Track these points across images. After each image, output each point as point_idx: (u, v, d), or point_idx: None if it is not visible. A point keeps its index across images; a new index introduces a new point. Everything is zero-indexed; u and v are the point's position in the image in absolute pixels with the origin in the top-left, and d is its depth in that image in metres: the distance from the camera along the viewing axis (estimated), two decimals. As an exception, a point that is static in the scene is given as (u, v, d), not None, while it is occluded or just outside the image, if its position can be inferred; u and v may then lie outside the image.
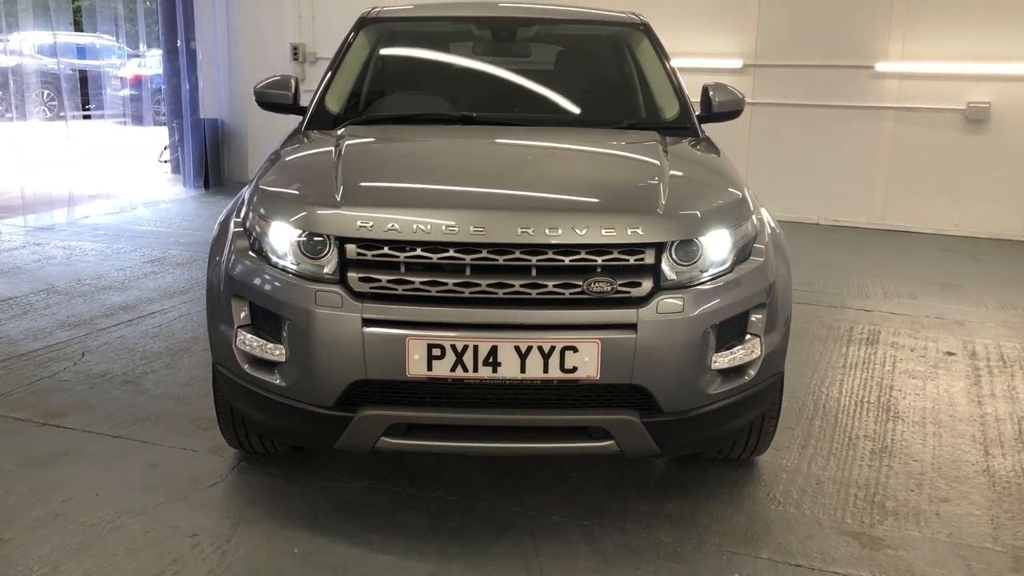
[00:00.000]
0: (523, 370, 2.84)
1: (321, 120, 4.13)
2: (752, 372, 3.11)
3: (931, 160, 8.68)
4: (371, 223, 2.92)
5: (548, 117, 4.26)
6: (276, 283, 3.00)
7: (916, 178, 8.78)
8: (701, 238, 3.00)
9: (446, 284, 2.86)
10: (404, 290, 2.87)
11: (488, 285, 2.86)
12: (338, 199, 3.03)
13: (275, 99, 4.32)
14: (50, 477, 3.55)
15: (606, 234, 2.89)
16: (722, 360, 3.02)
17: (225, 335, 3.17)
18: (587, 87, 4.53)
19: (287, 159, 3.62)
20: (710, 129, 4.32)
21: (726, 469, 3.69)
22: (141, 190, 10.57)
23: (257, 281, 3.05)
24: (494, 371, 2.84)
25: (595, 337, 2.83)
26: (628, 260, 2.91)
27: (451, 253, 2.88)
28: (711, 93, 4.38)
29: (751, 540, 3.19)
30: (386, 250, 2.90)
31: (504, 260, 2.87)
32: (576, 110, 4.35)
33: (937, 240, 8.63)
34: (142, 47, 11.26)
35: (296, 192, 3.21)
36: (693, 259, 2.98)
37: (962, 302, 6.43)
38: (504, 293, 2.86)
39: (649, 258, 2.92)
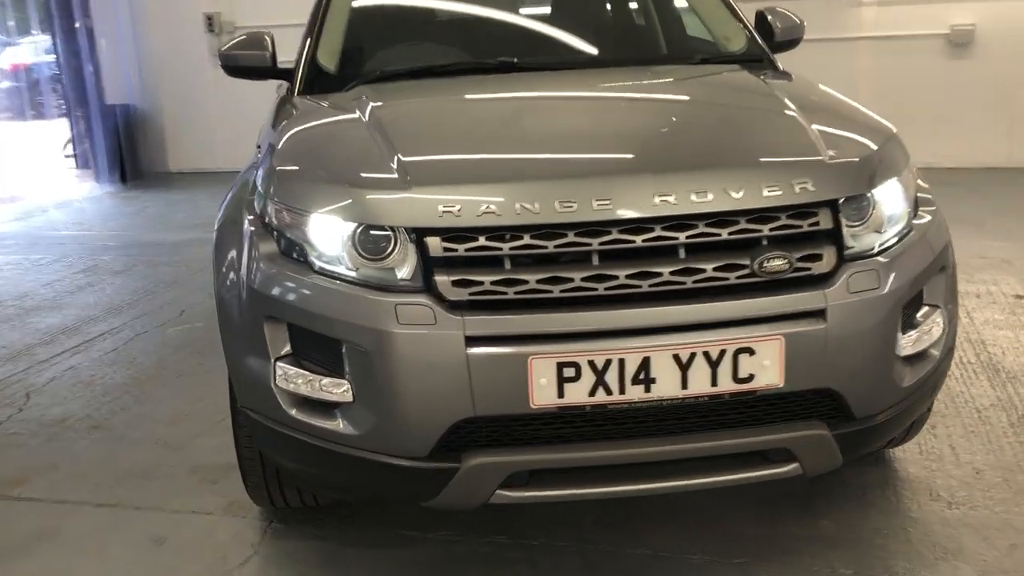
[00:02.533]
0: (684, 385, 2.13)
1: (320, 82, 3.30)
2: (936, 352, 2.47)
3: (914, 91, 8.21)
4: (457, 207, 2.15)
5: (603, 57, 3.51)
6: (330, 297, 2.21)
7: (900, 111, 8.27)
8: (874, 190, 2.32)
9: (572, 280, 2.12)
10: (517, 293, 2.12)
11: (628, 276, 2.13)
12: (402, 178, 2.25)
13: (248, 62, 3.46)
14: (20, 574, 2.71)
15: (769, 194, 2.19)
16: (908, 343, 2.36)
17: (256, 370, 2.37)
18: (635, 19, 3.80)
19: (300, 132, 2.80)
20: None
21: (863, 466, 3.06)
22: (48, 190, 9.40)
23: (300, 296, 2.26)
24: (647, 390, 2.12)
25: (776, 332, 2.13)
26: (800, 226, 2.21)
27: (571, 237, 2.14)
28: (770, 19, 3.69)
29: (944, 558, 2.57)
30: (483, 241, 2.14)
31: (643, 241, 2.15)
32: (634, 47, 3.61)
33: (928, 174, 8.19)
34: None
35: (335, 173, 2.41)
36: (864, 218, 2.31)
37: (995, 238, 5.96)
38: (650, 285, 2.14)
39: (825, 221, 2.23)
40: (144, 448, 3.45)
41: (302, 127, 2.86)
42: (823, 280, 2.19)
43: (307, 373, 2.29)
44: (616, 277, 2.12)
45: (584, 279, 2.12)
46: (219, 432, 3.51)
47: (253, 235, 2.42)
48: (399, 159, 2.33)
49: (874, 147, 2.42)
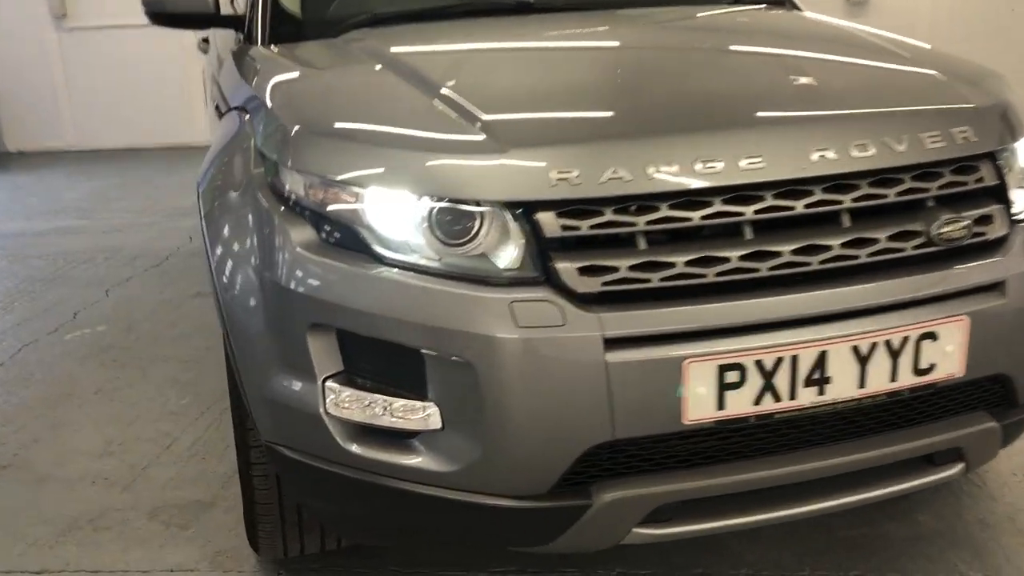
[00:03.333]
0: (862, 383, 1.74)
1: (287, 30, 2.69)
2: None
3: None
4: (575, 172, 1.67)
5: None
6: (408, 295, 1.69)
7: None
8: (1019, 141, 2.00)
9: (728, 260, 1.69)
10: (663, 279, 1.67)
11: (793, 252, 1.72)
12: (493, 139, 1.74)
13: (182, 7, 2.79)
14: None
15: (933, 145, 1.82)
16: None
17: (293, 395, 1.82)
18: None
19: (309, 86, 2.22)
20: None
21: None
22: None
23: (360, 296, 1.72)
24: (820, 392, 1.72)
25: (961, 312, 1.77)
26: (966, 183, 1.86)
27: (719, 206, 1.70)
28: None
29: (1068, 551, 2.32)
30: (611, 215, 1.67)
31: (804, 206, 1.74)
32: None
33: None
34: None
35: (390, 136, 1.86)
36: (1009, 170, 1.98)
37: None
38: (820, 261, 1.73)
39: (989, 176, 1.89)
40: (80, 489, 2.77)
41: (308, 80, 2.28)
42: (997, 247, 1.85)
43: (371, 395, 1.76)
44: (778, 254, 1.70)
45: (742, 257, 1.69)
46: (171, 461, 2.89)
47: (277, 219, 1.84)
48: (480, 116, 1.82)
49: (1007, 93, 2.09)
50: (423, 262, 1.71)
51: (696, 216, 1.69)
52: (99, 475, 2.84)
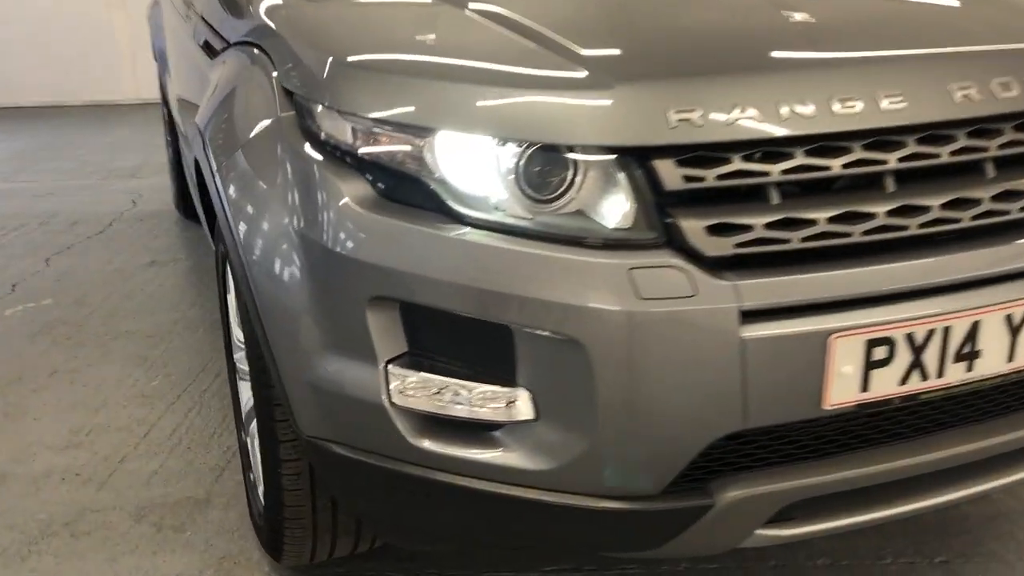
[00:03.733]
0: (1011, 356, 1.52)
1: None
2: None
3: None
4: (698, 112, 1.40)
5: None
6: (501, 260, 1.40)
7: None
8: None
9: (874, 216, 1.44)
10: (804, 239, 1.41)
11: (942, 206, 1.48)
12: (596, 73, 1.45)
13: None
14: None
15: (1075, 85, 1.60)
16: None
17: (346, 381, 1.52)
18: None
19: (355, 10, 1.89)
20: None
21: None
22: None
23: (435, 262, 1.42)
24: (969, 368, 1.49)
25: (1116, 273, 1.56)
26: None
27: (859, 152, 1.45)
28: None
29: None
30: (739, 164, 1.41)
31: (950, 154, 1.50)
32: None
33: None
34: None
35: (471, 69, 1.54)
36: None
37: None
38: (971, 217, 1.49)
39: None
40: (48, 489, 2.41)
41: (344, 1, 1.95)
42: None
43: (444, 380, 1.47)
44: (926, 208, 1.46)
45: (888, 213, 1.44)
46: (151, 452, 2.55)
47: (322, 172, 1.53)
48: (577, 50, 1.52)
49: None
50: (511, 221, 1.43)
51: (836, 164, 1.44)
52: (68, 470, 2.49)
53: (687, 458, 1.42)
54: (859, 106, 1.45)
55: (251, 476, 2.17)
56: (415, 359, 1.50)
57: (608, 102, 1.41)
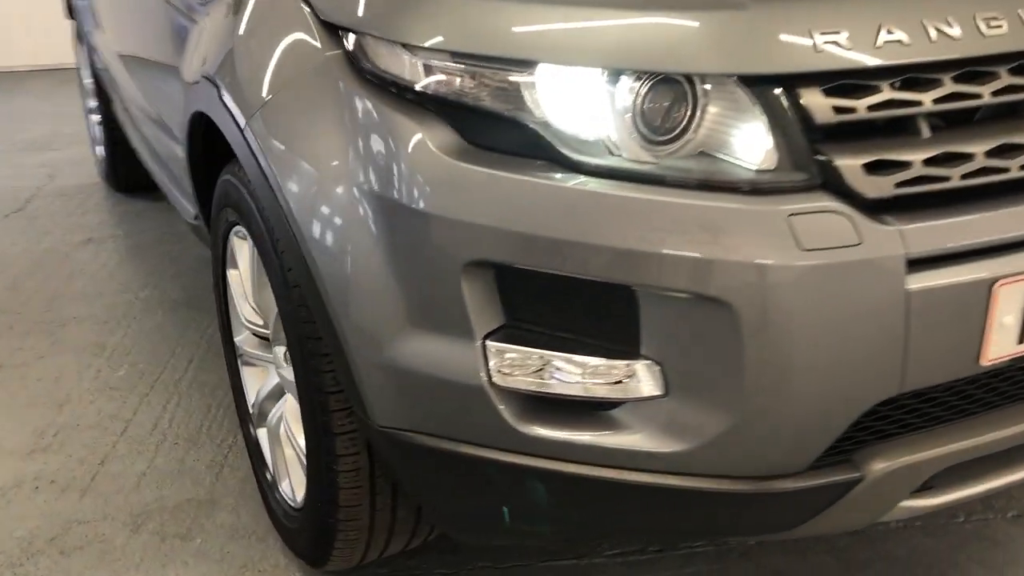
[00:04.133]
0: None
1: None
2: None
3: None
4: (844, 33, 1.22)
5: None
6: (624, 211, 1.20)
7: None
8: None
9: (1029, 147, 1.30)
10: (963, 176, 1.25)
11: (1100, 138, 1.34)
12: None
13: None
14: None
15: None
16: None
17: (433, 362, 1.31)
18: None
19: None
20: None
21: None
22: None
23: (548, 215, 1.21)
24: (1124, 313, 1.37)
25: None
26: None
27: (1006, 78, 1.30)
28: None
29: None
30: (888, 93, 1.23)
31: (1099, 78, 1.36)
32: None
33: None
34: None
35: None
36: None
37: None
38: None
39: None
40: (21, 501, 2.11)
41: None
42: None
43: (554, 355, 1.27)
44: (1094, 134, 1.32)
45: (1045, 144, 1.30)
46: (134, 451, 2.28)
47: (393, 117, 1.29)
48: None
49: None
50: (633, 166, 1.23)
51: (987, 92, 1.28)
52: (40, 478, 2.19)
53: (839, 429, 1.26)
54: (1005, 26, 1.29)
55: (268, 475, 1.93)
56: (515, 332, 1.29)
57: (743, 24, 1.22)
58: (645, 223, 1.19)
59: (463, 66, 1.26)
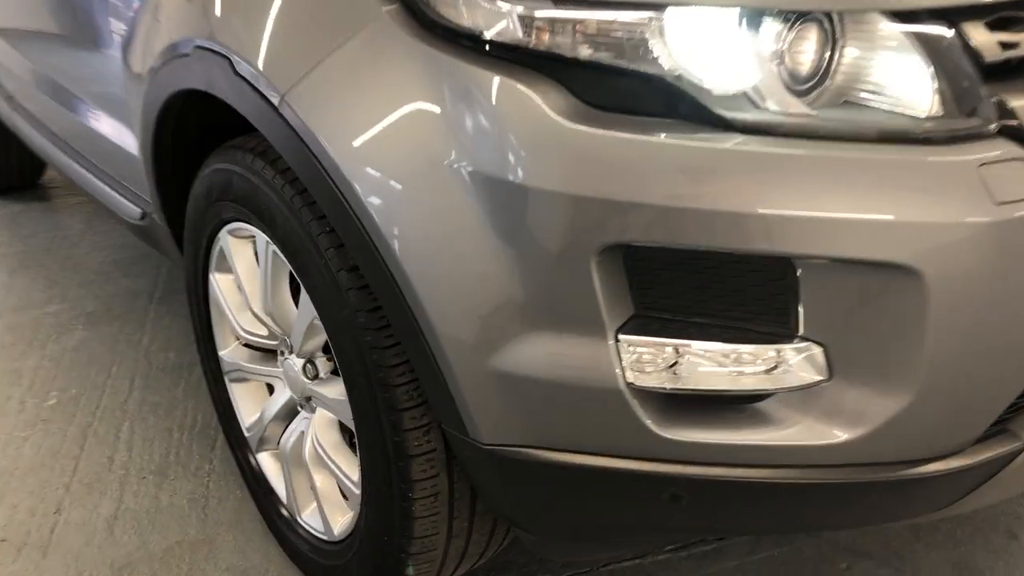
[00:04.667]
0: None
1: None
2: None
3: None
4: (999, -41, 1.09)
5: None
6: (790, 171, 1.04)
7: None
8: None
9: None
10: None
11: None
12: None
13: None
14: None
15: None
16: None
17: (559, 363, 1.12)
18: None
19: None
20: None
21: None
22: None
23: (701, 185, 1.04)
24: None
25: None
26: None
27: None
28: None
29: None
30: (1040, 24, 1.12)
31: None
32: None
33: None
34: None
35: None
36: None
37: None
38: None
39: None
40: (-30, 565, 1.78)
41: None
42: None
43: (694, 345, 1.10)
44: None
45: None
46: (93, 492, 1.97)
47: (490, 77, 1.08)
48: None
49: None
50: (788, 120, 1.06)
51: None
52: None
53: (1009, 399, 1.15)
54: None
55: (280, 506, 1.69)
56: (647, 324, 1.12)
57: (895, -49, 1.07)
58: (814, 184, 1.03)
59: (576, 13, 1.07)
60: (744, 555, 1.72)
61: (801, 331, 1.09)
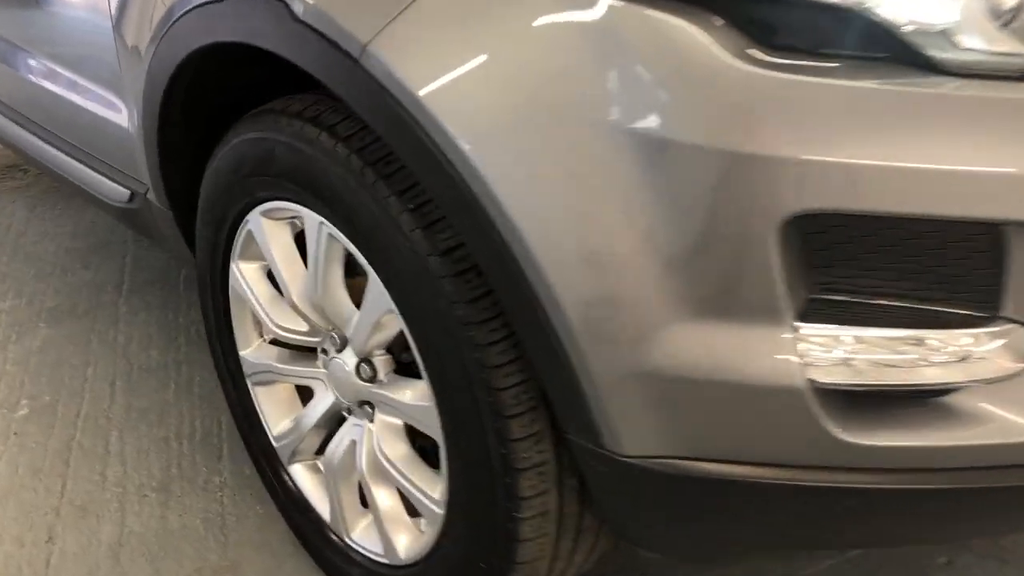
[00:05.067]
0: None
1: None
2: None
3: None
4: None
5: None
6: (1015, 123, 0.87)
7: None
8: None
9: None
10: None
11: None
12: None
13: None
14: None
15: None
16: None
17: (726, 358, 0.93)
18: None
19: None
20: None
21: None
22: None
23: (911, 139, 0.86)
24: None
25: None
26: None
27: None
28: None
29: None
30: None
31: None
32: None
33: None
34: None
35: None
36: None
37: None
38: None
39: None
40: None
41: None
42: None
43: (880, 334, 0.93)
44: None
45: None
46: (88, 513, 1.73)
47: (643, 13, 0.88)
48: None
49: None
50: (998, 59, 0.89)
51: None
52: (-30, 573, 1.60)
53: None
54: None
55: (323, 525, 1.48)
56: (823, 308, 0.94)
57: None
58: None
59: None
60: (838, 553, 1.57)
61: (1006, 311, 0.93)
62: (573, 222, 0.93)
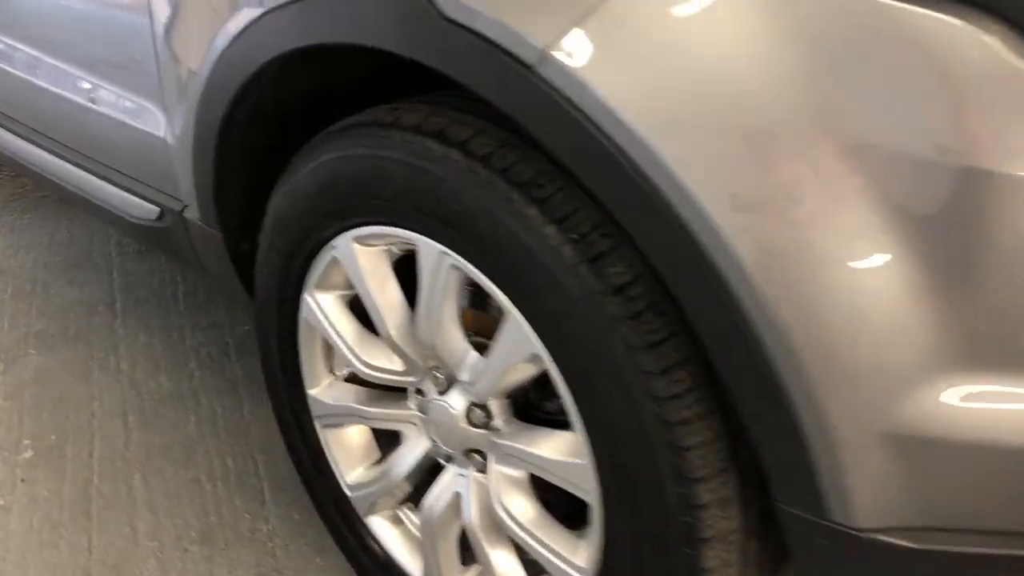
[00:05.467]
0: None
1: None
2: None
3: None
4: None
5: None
6: None
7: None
8: None
9: None
10: None
11: None
12: None
13: None
14: None
15: None
16: None
17: (991, 418, 0.80)
18: None
19: None
20: None
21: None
22: None
23: None
24: None
25: None
26: None
27: None
28: None
29: None
30: None
31: None
32: None
33: None
34: None
35: None
36: None
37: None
38: None
39: None
40: None
41: None
42: None
43: None
44: None
45: None
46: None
47: (917, 17, 0.74)
48: None
49: None
50: None
51: None
52: None
53: None
54: None
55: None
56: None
57: None
58: None
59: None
60: None
61: None
62: (823, 268, 0.79)
